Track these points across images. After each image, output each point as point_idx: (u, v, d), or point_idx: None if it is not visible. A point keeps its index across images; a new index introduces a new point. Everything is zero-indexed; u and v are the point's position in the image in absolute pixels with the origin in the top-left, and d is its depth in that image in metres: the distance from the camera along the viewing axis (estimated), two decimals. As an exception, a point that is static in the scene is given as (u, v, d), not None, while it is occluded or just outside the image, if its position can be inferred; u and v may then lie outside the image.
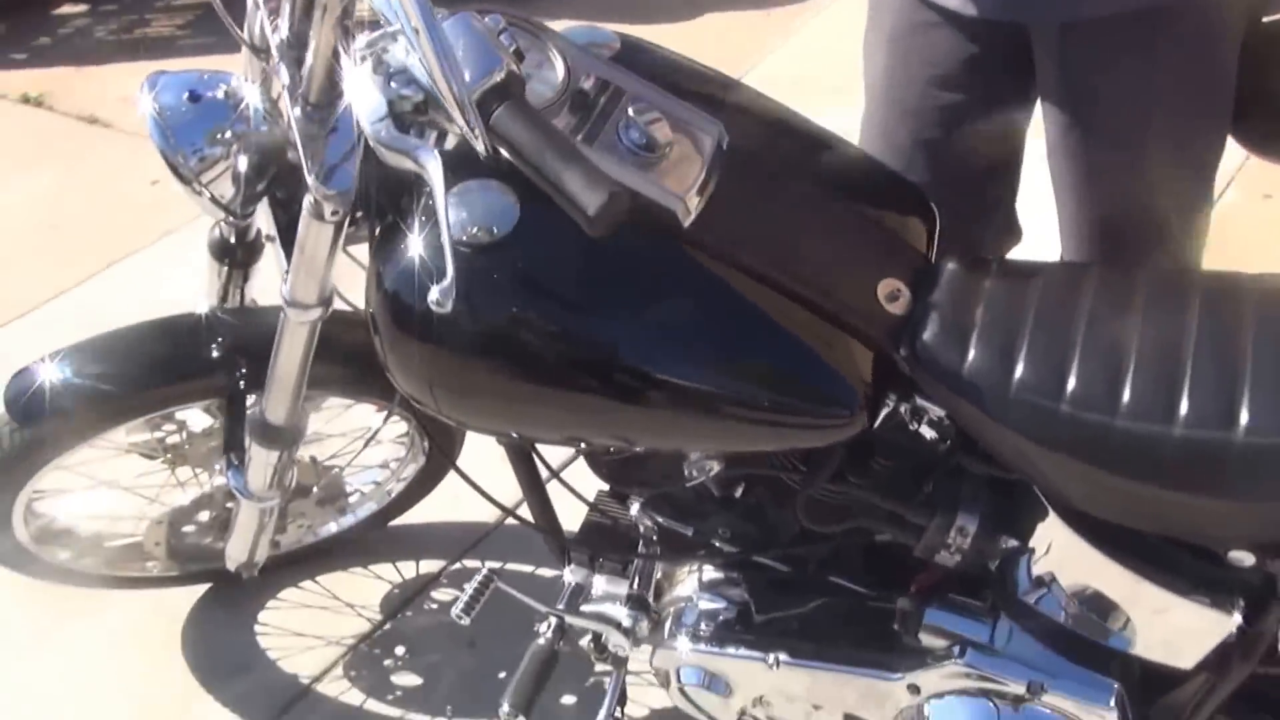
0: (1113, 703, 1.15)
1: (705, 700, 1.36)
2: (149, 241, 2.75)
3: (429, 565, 1.93)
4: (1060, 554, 1.14)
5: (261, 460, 1.45)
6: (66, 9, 4.06)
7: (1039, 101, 1.40)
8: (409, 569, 1.93)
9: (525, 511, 1.40)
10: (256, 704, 1.76)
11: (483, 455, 1.44)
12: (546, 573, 1.84)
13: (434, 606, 1.87)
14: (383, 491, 1.85)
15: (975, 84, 1.38)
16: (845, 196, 1.15)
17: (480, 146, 0.90)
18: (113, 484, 1.68)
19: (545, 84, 1.05)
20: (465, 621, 1.37)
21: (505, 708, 1.36)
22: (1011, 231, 1.56)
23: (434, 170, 0.92)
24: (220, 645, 1.84)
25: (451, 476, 1.40)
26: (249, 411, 1.43)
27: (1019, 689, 1.17)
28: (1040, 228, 1.56)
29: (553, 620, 1.39)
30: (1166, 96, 1.32)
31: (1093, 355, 1.03)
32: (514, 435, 1.23)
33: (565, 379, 1.07)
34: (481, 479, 1.32)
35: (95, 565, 1.77)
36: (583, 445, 1.25)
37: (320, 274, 1.17)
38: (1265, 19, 1.35)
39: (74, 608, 1.86)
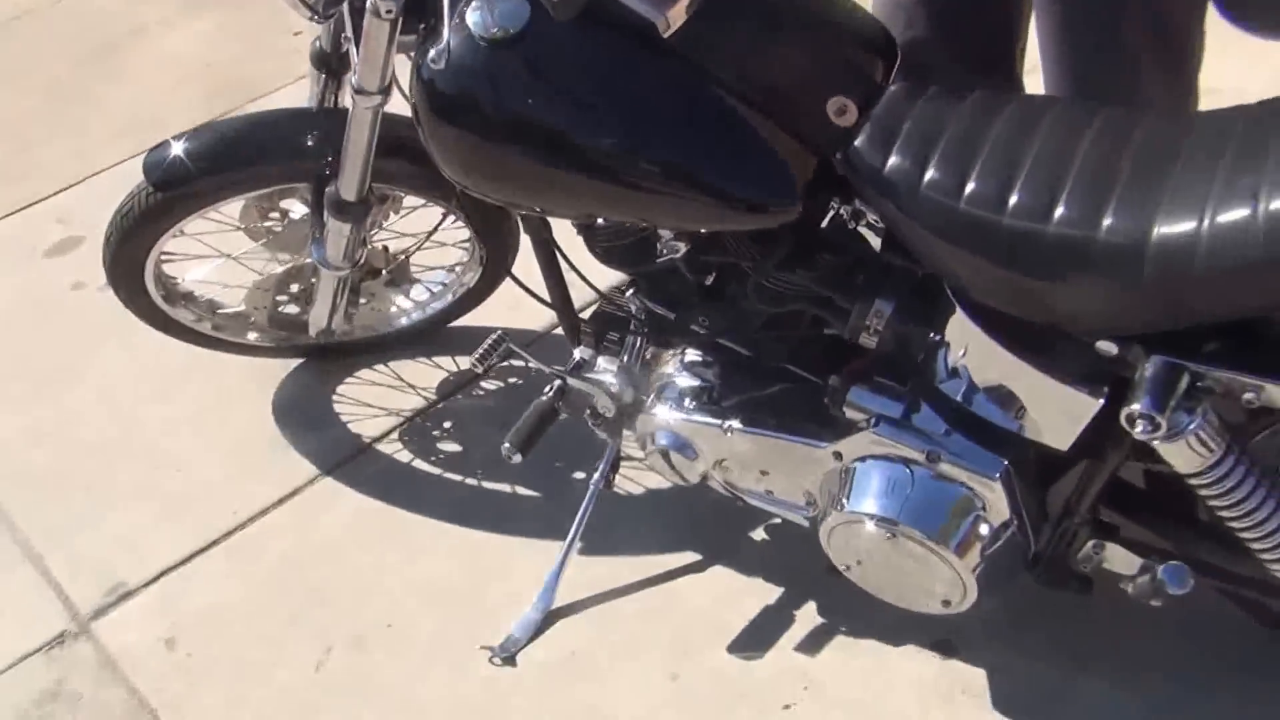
0: (998, 475, 1.34)
1: (676, 461, 1.60)
2: (286, 83, 3.06)
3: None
4: (964, 344, 1.32)
5: (336, 232, 1.73)
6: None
7: None
8: (465, 362, 2.21)
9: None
10: (326, 453, 2.07)
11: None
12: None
13: (481, 394, 2.14)
14: (448, 292, 2.12)
15: None
16: (812, 27, 1.33)
17: None
18: (226, 256, 2.00)
19: None
20: (479, 370, 1.64)
21: (506, 445, 1.64)
22: (1013, 88, 1.69)
23: None
24: (303, 406, 2.17)
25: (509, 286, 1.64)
26: (327, 190, 1.70)
27: (920, 457, 1.37)
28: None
29: (556, 382, 1.65)
30: None
31: (993, 163, 1.20)
32: (532, 209, 1.47)
33: (560, 155, 1.30)
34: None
35: (211, 328, 2.10)
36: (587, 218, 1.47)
37: (380, 65, 1.43)
38: None
39: (198, 363, 2.21)
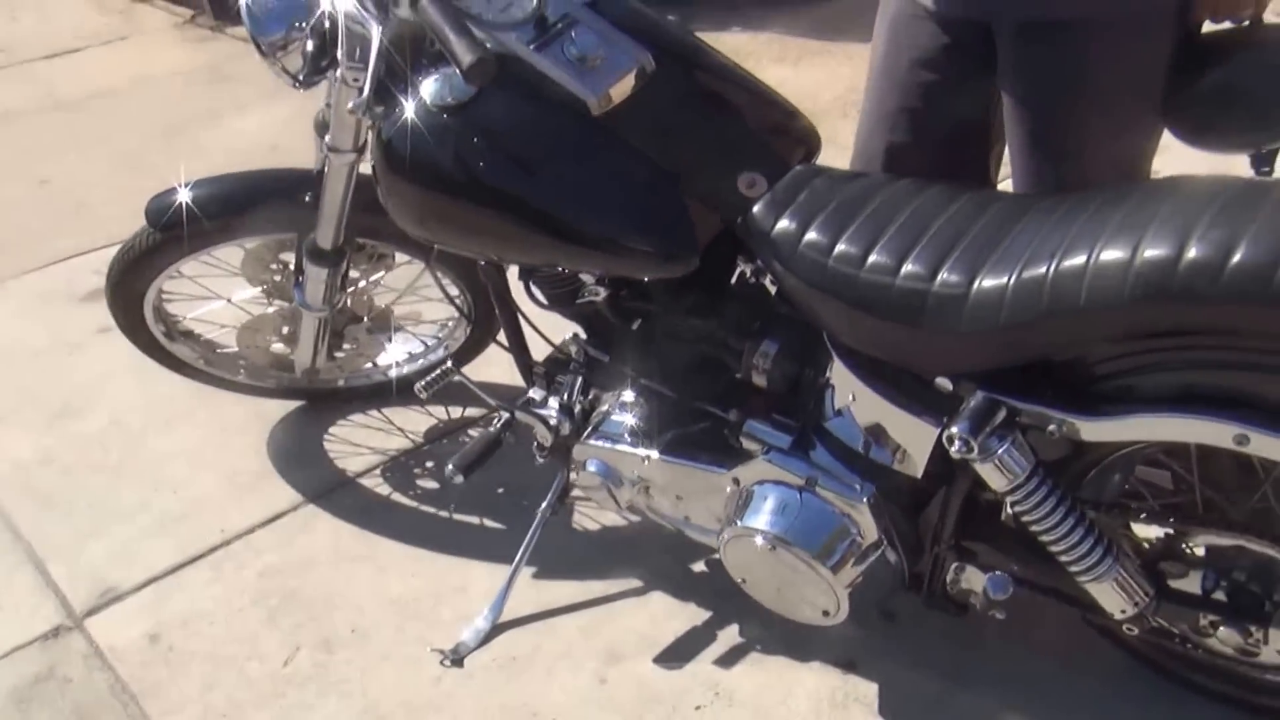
0: (866, 501, 1.56)
1: (607, 487, 1.82)
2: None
3: (472, 411, 2.45)
4: (839, 384, 1.55)
5: (314, 278, 1.99)
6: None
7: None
8: (456, 411, 2.46)
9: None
10: (312, 484, 2.31)
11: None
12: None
13: (465, 440, 2.37)
14: (440, 346, 2.37)
15: (950, 66, 1.69)
16: (740, 116, 1.59)
17: (403, 12, 1.40)
18: (224, 298, 2.26)
19: (520, 8, 1.54)
20: (422, 396, 1.88)
21: (450, 468, 1.87)
22: (986, 185, 1.87)
23: (375, 34, 1.43)
24: (295, 442, 2.42)
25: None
26: (306, 239, 1.97)
27: (801, 482, 1.59)
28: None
29: (502, 414, 1.89)
30: (1102, 88, 1.60)
31: (862, 229, 1.45)
32: (480, 255, 1.72)
33: (499, 208, 1.56)
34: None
35: (206, 364, 2.36)
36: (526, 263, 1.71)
37: (351, 126, 1.70)
38: (1203, 27, 1.62)
39: (203, 402, 2.48)
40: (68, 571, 2.16)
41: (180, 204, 1.99)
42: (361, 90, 1.52)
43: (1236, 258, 1.17)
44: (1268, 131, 1.60)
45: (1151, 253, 1.22)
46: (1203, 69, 1.60)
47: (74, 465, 2.41)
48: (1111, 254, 1.25)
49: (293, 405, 2.50)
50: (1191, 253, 1.19)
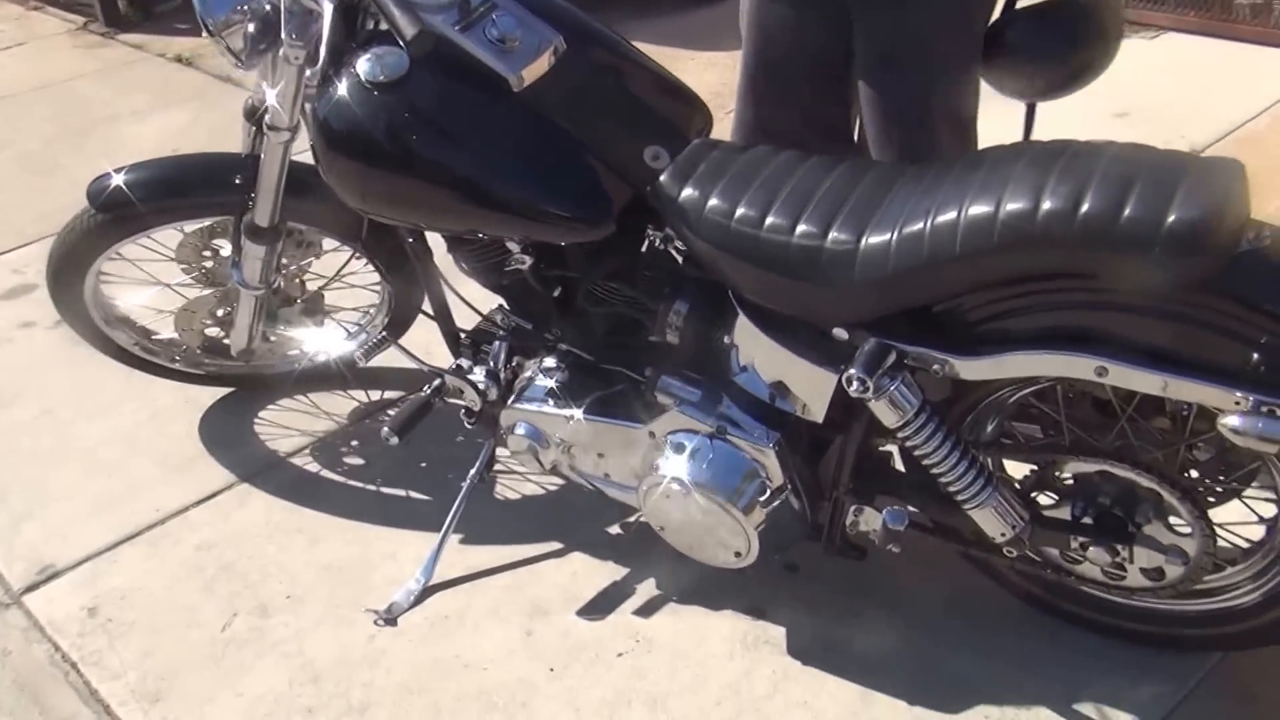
0: (772, 445, 1.70)
1: (533, 449, 1.93)
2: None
3: (392, 394, 2.55)
4: (745, 338, 1.69)
5: (252, 255, 2.08)
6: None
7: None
8: (376, 394, 2.55)
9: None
10: (245, 464, 2.39)
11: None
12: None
13: (387, 418, 2.46)
14: (361, 332, 2.46)
15: (810, 35, 1.95)
16: (642, 94, 1.74)
17: None
18: (160, 282, 2.33)
19: None
20: (362, 363, 1.98)
21: (384, 430, 1.97)
22: (847, 142, 2.09)
23: (326, 9, 1.54)
24: (227, 427, 2.49)
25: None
26: (245, 218, 2.06)
27: (712, 431, 1.73)
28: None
29: (434, 379, 1.99)
30: (942, 52, 1.87)
31: (759, 195, 1.59)
32: (415, 225, 1.83)
33: (431, 178, 1.67)
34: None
35: (144, 351, 2.42)
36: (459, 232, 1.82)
37: (289, 105, 1.80)
38: None
39: (134, 390, 2.54)
40: (4, 552, 2.21)
41: (120, 184, 2.06)
42: (316, 59, 1.63)
43: (1085, 207, 1.33)
44: (1046, 84, 1.93)
45: (1012, 205, 1.38)
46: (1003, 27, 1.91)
47: (5, 453, 2.45)
48: (979, 208, 1.41)
49: (222, 392, 2.57)
50: (1046, 204, 1.36)
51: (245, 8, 1.73)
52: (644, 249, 1.75)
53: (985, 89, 2.01)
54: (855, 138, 2.12)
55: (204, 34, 1.77)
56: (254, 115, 2.08)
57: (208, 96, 4.04)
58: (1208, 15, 3.87)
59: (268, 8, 1.73)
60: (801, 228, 1.55)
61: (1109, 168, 1.35)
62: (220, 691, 1.93)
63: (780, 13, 1.96)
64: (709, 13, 4.26)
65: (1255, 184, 1.39)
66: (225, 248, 2.27)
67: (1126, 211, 1.31)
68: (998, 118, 2.04)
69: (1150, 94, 3.48)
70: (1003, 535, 1.64)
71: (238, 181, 2.08)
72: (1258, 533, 1.66)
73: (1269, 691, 1.76)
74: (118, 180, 2.08)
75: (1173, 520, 1.61)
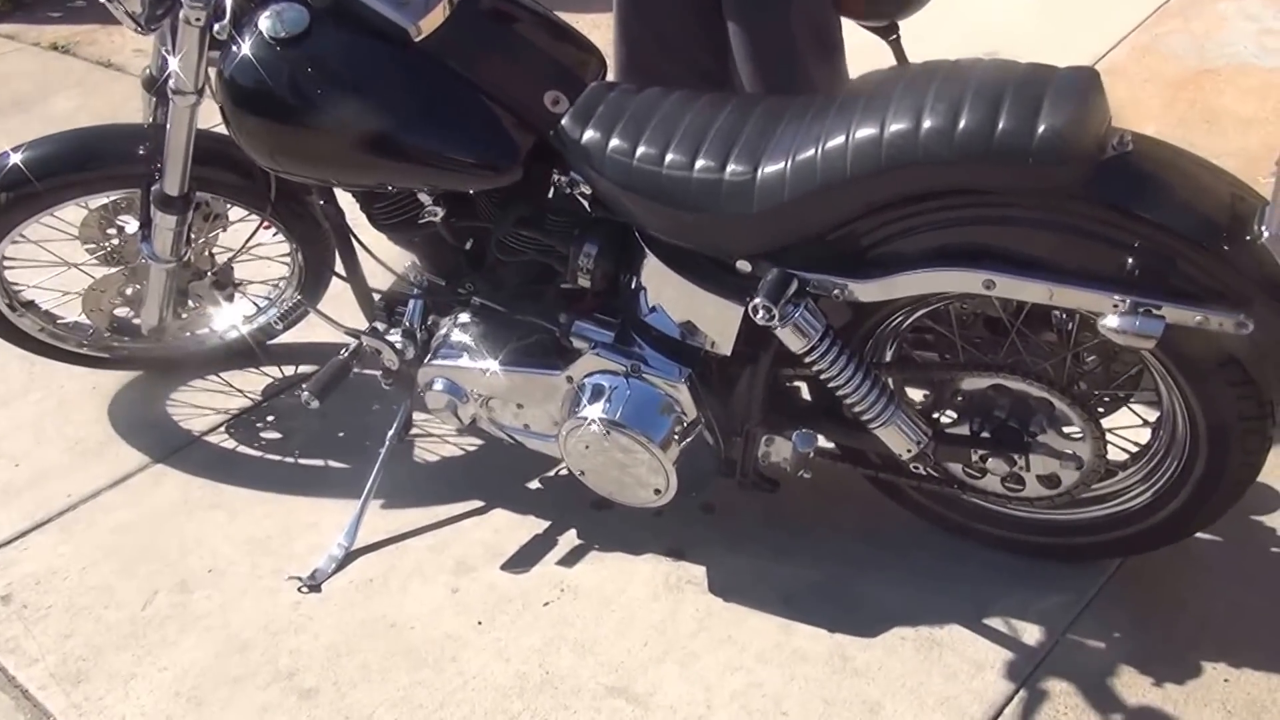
0: (683, 380, 1.75)
1: (451, 404, 1.95)
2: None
3: (305, 368, 2.54)
4: (653, 277, 1.74)
5: (163, 225, 2.06)
6: (97, -25, 4.80)
7: None
8: (290, 369, 2.54)
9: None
10: (158, 445, 2.35)
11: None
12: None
13: (300, 394, 2.47)
14: (271, 306, 2.45)
15: None
16: (534, 41, 1.77)
17: None
18: (66, 262, 2.29)
19: None
20: (281, 331, 1.98)
21: (305, 393, 1.97)
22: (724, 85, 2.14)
23: None
24: (137, 410, 2.45)
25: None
26: (154, 188, 2.04)
27: (626, 369, 1.77)
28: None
29: (351, 342, 2.00)
30: None
31: (657, 133, 1.64)
32: (326, 181, 1.83)
33: (338, 131, 1.68)
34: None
35: (50, 337, 2.38)
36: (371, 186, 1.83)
37: (193, 67, 1.80)
38: None
39: (37, 380, 2.50)
40: (-91, 548, 2.15)
41: (17, 163, 2.03)
42: (217, 18, 1.65)
43: (961, 124, 1.41)
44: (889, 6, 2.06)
45: (896, 126, 1.45)
46: None
47: (-96, 448, 2.39)
48: (865, 132, 1.47)
49: (130, 376, 2.53)
50: (927, 123, 1.43)
51: (144, -29, 1.73)
52: (550, 195, 1.78)
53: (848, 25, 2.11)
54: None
55: None
56: (153, 85, 2.07)
57: (88, 83, 3.97)
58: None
59: (166, -33, 1.73)
60: (700, 162, 1.60)
61: (980, 85, 1.43)
62: (144, 668, 1.91)
63: None
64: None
65: (1122, 115, 1.48)
66: (130, 224, 2.25)
67: (1000, 125, 1.39)
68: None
69: (1013, 32, 3.58)
70: (908, 451, 1.71)
71: (141, 152, 2.06)
72: (1144, 437, 1.76)
73: (1161, 597, 1.86)
74: (15, 159, 2.05)
75: (1065, 428, 1.69)
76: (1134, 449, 1.78)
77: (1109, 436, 1.69)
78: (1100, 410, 1.71)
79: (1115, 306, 1.45)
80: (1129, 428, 1.77)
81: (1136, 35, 3.57)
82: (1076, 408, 1.63)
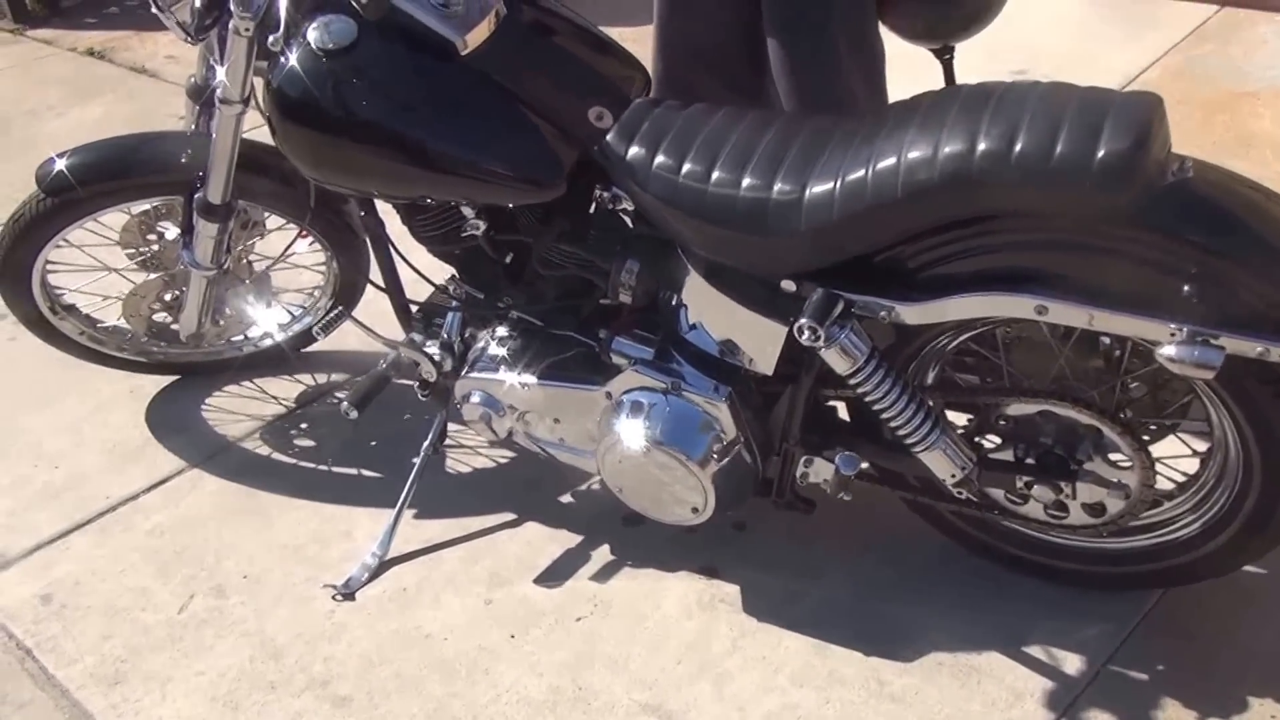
0: (724, 399, 1.73)
1: (488, 417, 1.94)
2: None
3: (338, 376, 2.55)
4: (695, 295, 1.73)
5: (205, 233, 2.07)
6: (134, -19, 4.85)
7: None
8: (323, 377, 2.55)
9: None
10: (194, 450, 2.37)
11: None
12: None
13: (334, 401, 2.47)
14: (306, 315, 2.46)
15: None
16: (583, 57, 1.77)
17: None
18: (107, 267, 2.31)
19: None
20: (321, 338, 1.98)
21: (344, 404, 1.97)
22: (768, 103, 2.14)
23: None
24: (174, 414, 2.46)
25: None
26: (196, 195, 2.05)
27: (667, 387, 1.76)
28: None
29: (390, 353, 2.00)
30: (843, 7, 1.97)
31: (703, 150, 1.63)
32: (369, 193, 1.83)
33: (385, 143, 1.68)
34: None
35: (90, 340, 2.40)
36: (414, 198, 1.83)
37: (240, 77, 1.80)
38: None
39: (77, 383, 2.52)
40: (-49, 545, 2.17)
41: (63, 169, 2.04)
42: (266, 30, 1.66)
43: (1018, 146, 1.39)
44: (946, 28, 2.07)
45: (950, 148, 1.43)
46: None
47: (-52, 447, 2.41)
48: (918, 153, 1.46)
49: (167, 381, 2.54)
50: (982, 145, 1.41)
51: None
52: (593, 210, 1.78)
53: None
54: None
55: (152, 8, 1.76)
56: (199, 94, 2.08)
57: (123, 88, 4.01)
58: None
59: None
60: (747, 180, 1.59)
61: (1038, 107, 1.41)
62: (180, 671, 1.92)
63: None
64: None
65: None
66: (171, 230, 2.26)
67: (1058, 149, 1.37)
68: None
69: (1045, 51, 3.56)
70: (952, 476, 1.69)
71: (183, 160, 2.07)
72: (1192, 466, 1.73)
73: (1205, 629, 1.83)
74: (60, 165, 2.07)
75: (1113, 456, 1.67)
76: (1181, 479, 1.75)
77: (1157, 467, 1.66)
78: (1147, 438, 1.68)
79: (1173, 335, 1.42)
80: (1177, 457, 1.74)
81: (1170, 57, 3.53)
82: (1126, 436, 1.60)
